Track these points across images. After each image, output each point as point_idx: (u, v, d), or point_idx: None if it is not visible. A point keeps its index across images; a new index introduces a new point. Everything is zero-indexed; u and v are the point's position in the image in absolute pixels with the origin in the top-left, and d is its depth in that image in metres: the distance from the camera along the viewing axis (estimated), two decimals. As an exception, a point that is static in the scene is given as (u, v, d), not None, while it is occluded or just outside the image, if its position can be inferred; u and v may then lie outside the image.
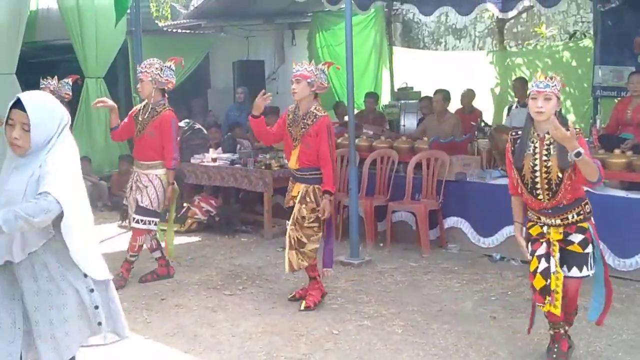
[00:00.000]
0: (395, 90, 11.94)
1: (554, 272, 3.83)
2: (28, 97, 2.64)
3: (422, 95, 10.40)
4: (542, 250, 3.88)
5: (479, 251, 6.67)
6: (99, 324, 2.75)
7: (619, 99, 8.21)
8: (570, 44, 11.01)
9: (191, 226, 7.94)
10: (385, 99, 11.95)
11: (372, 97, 9.99)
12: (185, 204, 8.14)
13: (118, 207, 8.82)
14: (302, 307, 5.09)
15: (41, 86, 6.75)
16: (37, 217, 2.49)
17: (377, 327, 4.76)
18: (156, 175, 5.74)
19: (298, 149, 5.04)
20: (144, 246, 5.90)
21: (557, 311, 3.85)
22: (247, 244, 7.36)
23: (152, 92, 5.69)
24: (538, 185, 3.80)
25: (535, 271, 3.86)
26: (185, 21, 12.23)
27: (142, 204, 5.71)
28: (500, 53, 11.67)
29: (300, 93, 4.98)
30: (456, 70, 11.11)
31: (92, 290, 2.73)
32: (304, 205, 5.01)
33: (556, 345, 4.01)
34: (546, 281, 3.83)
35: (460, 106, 9.21)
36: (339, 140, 8.06)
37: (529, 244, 3.97)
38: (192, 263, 6.59)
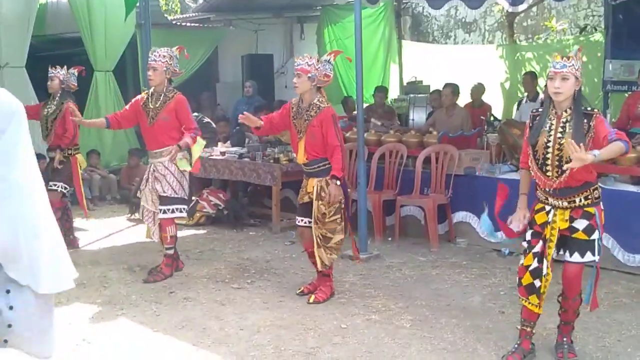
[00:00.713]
0: (404, 84, 11.90)
1: (544, 275, 3.86)
2: None
3: (431, 89, 10.37)
4: (538, 248, 3.89)
5: (488, 246, 6.65)
6: (5, 341, 2.55)
7: (630, 93, 8.16)
8: (581, 38, 10.92)
9: (200, 220, 7.95)
10: (394, 92, 11.91)
11: (382, 91, 9.96)
12: (193, 198, 8.15)
13: (127, 200, 8.86)
14: (311, 300, 5.10)
15: (50, 74, 6.74)
16: None
17: (385, 322, 4.75)
18: (171, 161, 5.69)
19: (303, 141, 5.06)
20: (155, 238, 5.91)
21: (540, 310, 3.94)
22: (255, 238, 7.37)
23: (165, 80, 5.74)
24: (548, 162, 3.82)
25: (527, 267, 3.91)
26: (194, 15, 12.23)
27: (164, 194, 5.71)
28: (510, 47, 11.60)
29: (301, 87, 5.02)
30: (465, 64, 11.06)
31: (11, 308, 2.38)
32: (320, 202, 5.02)
33: (517, 343, 4.07)
34: (533, 280, 3.88)
35: (470, 100, 9.18)
36: (347, 135, 8.06)
37: (529, 233, 3.97)
38: (201, 256, 6.60)
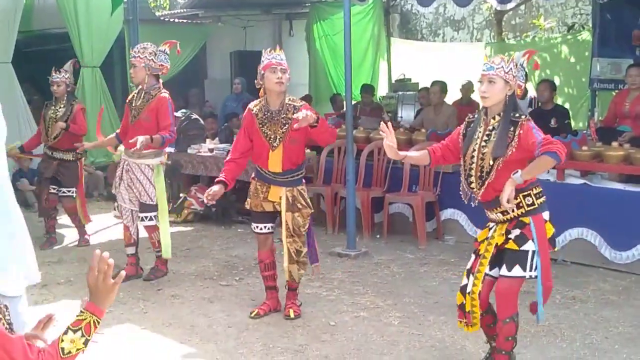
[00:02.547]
0: (393, 81, 11.92)
1: (468, 292, 3.58)
2: None
3: (420, 86, 10.39)
4: (469, 265, 3.68)
5: (476, 243, 6.66)
6: None
7: (617, 91, 8.20)
8: (569, 37, 10.99)
9: (187, 217, 7.92)
10: (382, 90, 11.92)
11: (368, 91, 9.97)
12: (181, 194, 8.12)
13: (114, 197, 8.80)
14: (293, 316, 4.72)
15: (55, 79, 6.63)
16: None
17: (373, 319, 4.75)
18: (147, 165, 5.57)
19: (281, 150, 4.51)
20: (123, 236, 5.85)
21: (476, 328, 3.66)
22: (243, 235, 7.35)
23: (145, 77, 5.50)
24: (472, 172, 3.60)
25: (460, 286, 3.71)
26: (182, 11, 12.18)
27: (143, 201, 5.60)
28: (498, 45, 11.64)
29: (286, 84, 4.49)
30: (454, 62, 11.08)
31: None
32: (297, 213, 4.59)
33: (488, 353, 3.89)
34: (463, 300, 3.63)
35: (459, 97, 9.20)
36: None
37: (473, 253, 3.73)
38: (188, 253, 6.58)
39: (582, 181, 5.98)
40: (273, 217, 4.76)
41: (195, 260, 6.31)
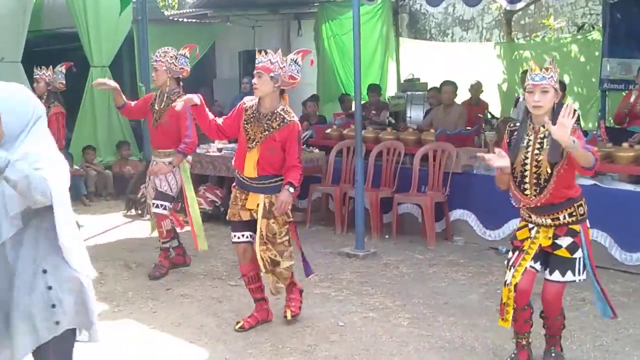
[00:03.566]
0: (402, 81, 11.89)
1: (507, 284, 3.71)
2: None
3: (429, 86, 10.36)
4: (511, 261, 3.76)
5: (485, 244, 6.65)
6: (56, 322, 2.58)
7: (627, 92, 8.17)
8: (579, 37, 10.93)
9: (196, 216, 7.92)
10: (391, 90, 11.90)
11: (375, 90, 9.96)
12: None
13: (123, 195, 8.83)
14: (290, 317, 4.62)
15: (35, 76, 6.65)
16: (37, 192, 2.44)
17: (382, 319, 4.75)
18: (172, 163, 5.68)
19: (257, 154, 4.34)
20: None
21: (507, 324, 3.77)
22: (252, 235, 7.34)
23: (167, 80, 5.66)
24: (527, 180, 3.67)
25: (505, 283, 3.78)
26: (191, 10, 12.19)
27: (161, 189, 5.72)
28: (507, 45, 11.60)
29: (261, 89, 4.29)
30: (463, 61, 11.05)
31: (49, 288, 2.57)
32: (272, 220, 4.35)
33: (514, 352, 3.93)
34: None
35: (468, 97, 9.18)
36: (345, 132, 8.07)
37: (511, 250, 3.84)
38: (197, 253, 6.54)
39: (592, 182, 5.95)
40: (252, 226, 4.46)
41: (204, 260, 6.31)
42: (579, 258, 3.70)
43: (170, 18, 11.94)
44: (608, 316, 3.95)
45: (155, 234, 5.94)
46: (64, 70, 6.77)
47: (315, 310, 4.91)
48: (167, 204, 5.73)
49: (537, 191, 3.65)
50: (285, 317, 4.61)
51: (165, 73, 5.63)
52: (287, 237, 4.44)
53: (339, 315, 4.82)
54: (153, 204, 5.75)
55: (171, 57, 5.64)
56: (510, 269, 3.75)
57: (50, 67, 6.79)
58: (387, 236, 7.09)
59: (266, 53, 4.34)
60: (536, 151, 3.64)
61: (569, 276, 3.71)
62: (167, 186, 5.72)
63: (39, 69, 6.68)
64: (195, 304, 5.11)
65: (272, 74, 4.27)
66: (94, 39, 10.02)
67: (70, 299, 2.62)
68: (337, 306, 5.02)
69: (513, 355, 3.93)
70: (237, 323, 4.60)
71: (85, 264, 2.67)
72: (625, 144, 6.03)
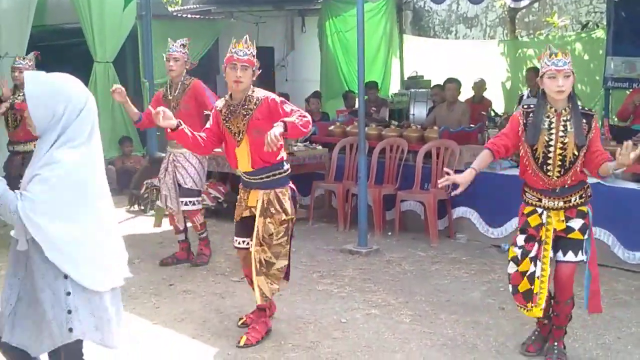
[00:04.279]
0: (405, 78, 11.89)
1: (538, 277, 3.77)
2: (29, 74, 2.64)
3: (432, 84, 10.35)
4: (534, 252, 3.79)
5: (488, 241, 6.64)
6: (70, 330, 2.59)
7: (631, 90, 8.16)
8: (583, 35, 10.92)
9: (199, 212, 7.93)
10: (394, 87, 11.90)
11: (373, 87, 9.96)
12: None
13: (126, 191, 8.84)
14: (242, 343, 4.22)
15: (17, 64, 6.55)
16: (5, 213, 2.49)
17: (385, 316, 4.75)
18: (192, 153, 5.70)
19: (246, 144, 4.17)
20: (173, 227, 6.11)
21: (540, 312, 3.82)
22: (255, 231, 7.35)
23: (184, 71, 5.80)
24: (550, 162, 3.75)
25: (524, 273, 3.80)
26: (195, 6, 12.20)
27: (186, 186, 5.83)
28: (511, 43, 11.59)
29: (245, 82, 4.14)
30: (467, 59, 11.05)
31: (68, 294, 2.58)
32: (268, 219, 4.15)
33: (537, 330, 4.10)
34: (531, 286, 3.78)
35: (471, 95, 9.18)
36: (348, 128, 8.06)
37: (522, 237, 3.85)
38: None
39: (595, 180, 5.91)
40: (252, 227, 4.25)
41: (207, 255, 6.32)
42: (587, 239, 3.82)
43: (174, 14, 11.94)
44: (586, 308, 4.00)
45: (157, 229, 6.21)
46: (33, 58, 6.71)
47: (317, 307, 4.91)
48: (195, 199, 5.88)
49: (561, 172, 3.74)
50: (238, 342, 4.23)
51: (184, 64, 5.79)
52: (284, 238, 4.21)
53: (342, 312, 4.83)
54: (182, 202, 5.85)
55: (187, 48, 5.86)
56: (534, 262, 3.77)
57: (33, 55, 6.77)
58: (389, 233, 7.09)
59: (243, 43, 4.17)
60: (561, 133, 3.72)
61: (580, 256, 3.80)
62: (191, 182, 5.84)
63: (20, 58, 6.64)
64: (198, 300, 5.12)
65: (254, 67, 4.18)
66: (97, 34, 10.02)
67: (86, 309, 2.63)
68: (339, 303, 5.03)
69: (537, 332, 4.08)
70: (240, 319, 4.61)
71: (92, 276, 2.64)
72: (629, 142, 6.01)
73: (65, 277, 2.59)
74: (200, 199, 6.01)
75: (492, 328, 4.52)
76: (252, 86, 4.23)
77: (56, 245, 2.55)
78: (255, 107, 4.14)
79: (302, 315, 4.75)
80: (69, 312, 2.58)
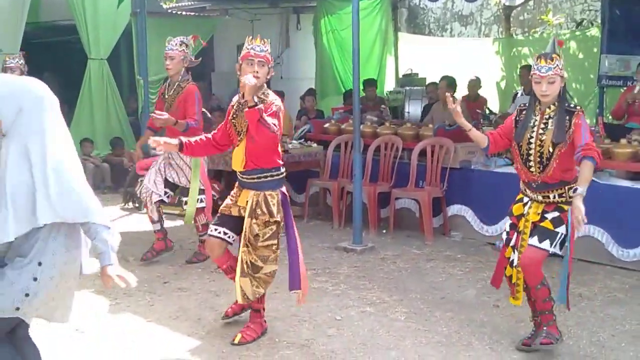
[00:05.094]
0: (400, 76, 11.89)
1: (515, 266, 3.96)
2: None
3: (427, 82, 10.36)
4: (513, 241, 4.03)
5: (482, 239, 6.65)
6: (17, 309, 2.70)
7: (625, 88, 8.17)
8: (577, 33, 10.93)
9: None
10: (389, 85, 11.89)
11: (372, 85, 9.97)
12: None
13: (120, 189, 8.83)
14: (237, 341, 4.21)
15: (9, 64, 6.55)
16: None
17: (380, 314, 4.75)
18: None
19: (243, 145, 4.13)
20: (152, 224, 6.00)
21: (518, 302, 4.07)
22: (249, 229, 7.34)
23: (181, 70, 5.76)
24: (531, 158, 3.91)
25: (508, 259, 4.06)
26: (190, 3, 12.17)
27: (183, 185, 5.86)
28: (506, 41, 11.60)
29: (262, 79, 4.10)
30: (462, 57, 11.05)
31: (35, 279, 2.69)
32: (254, 220, 4.10)
33: (533, 331, 4.16)
34: (510, 273, 4.03)
35: (466, 93, 9.18)
36: (343, 126, 8.05)
37: (508, 224, 4.11)
38: (195, 246, 6.57)
39: (575, 174, 5.95)
40: (237, 226, 4.25)
41: (202, 253, 6.32)
42: (561, 234, 3.87)
43: (169, 11, 11.91)
44: (562, 304, 4.06)
45: (149, 226, 6.07)
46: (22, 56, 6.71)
47: (312, 305, 4.91)
48: (200, 197, 5.83)
49: (541, 169, 3.88)
50: (233, 339, 4.23)
51: (181, 62, 5.73)
52: (272, 241, 4.15)
53: (336, 310, 4.83)
54: (184, 201, 5.87)
55: (187, 46, 5.77)
56: (512, 250, 4.00)
57: (21, 54, 6.75)
58: (384, 231, 7.09)
59: (259, 40, 4.19)
60: (540, 131, 3.88)
61: (545, 244, 3.85)
62: (186, 180, 5.83)
63: (10, 57, 6.63)
64: (192, 298, 5.11)
65: (270, 65, 4.16)
66: (92, 31, 10.00)
67: (45, 297, 2.73)
68: (334, 300, 5.02)
69: (533, 330, 4.11)
70: (224, 313, 4.56)
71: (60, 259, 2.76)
72: (623, 140, 6.04)
73: (40, 264, 2.70)
74: (203, 196, 5.90)
75: (486, 325, 4.53)
76: (267, 87, 4.18)
77: None
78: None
79: (296, 313, 4.74)
80: (26, 295, 2.69)
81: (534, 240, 3.88)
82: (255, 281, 4.15)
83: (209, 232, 4.36)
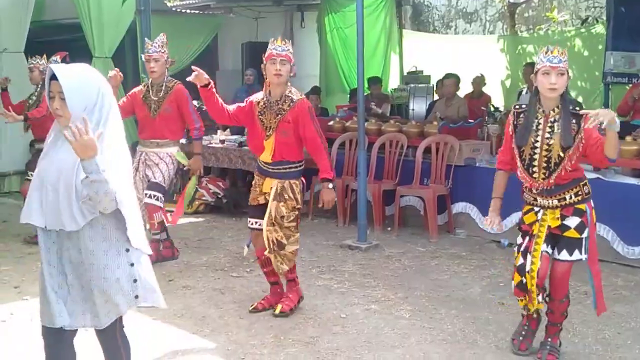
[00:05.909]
0: (405, 74, 11.88)
1: (528, 271, 3.74)
2: (59, 67, 2.71)
3: (432, 79, 10.35)
4: (524, 245, 3.81)
5: (487, 237, 6.64)
6: (136, 297, 2.82)
7: (630, 85, 8.16)
8: (582, 30, 10.91)
9: (198, 208, 7.93)
10: (394, 82, 11.88)
11: (377, 82, 9.96)
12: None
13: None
14: (277, 312, 4.62)
15: (29, 65, 6.67)
16: (107, 205, 2.65)
17: (384, 312, 4.75)
18: (167, 153, 5.75)
19: (273, 140, 4.49)
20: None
21: (541, 306, 3.87)
22: (254, 227, 7.35)
23: (165, 71, 5.72)
24: (535, 163, 3.69)
25: (516, 266, 3.84)
26: (194, 1, 12.16)
27: (155, 180, 5.71)
28: (510, 38, 11.58)
29: (285, 76, 4.45)
30: (466, 54, 11.03)
31: (132, 265, 2.79)
32: (282, 203, 4.49)
33: (527, 324, 4.05)
34: (521, 278, 3.79)
35: (471, 90, 9.17)
36: (347, 124, 8.05)
37: (520, 235, 3.89)
38: (200, 245, 6.59)
39: (595, 175, 5.94)
40: (265, 213, 4.59)
41: (207, 251, 6.33)
42: (585, 238, 3.74)
43: (173, 9, 11.92)
44: (594, 308, 3.99)
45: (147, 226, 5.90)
46: (59, 60, 6.74)
47: (317, 302, 4.91)
48: (160, 194, 5.72)
49: (546, 174, 3.68)
50: (274, 310, 4.63)
51: (165, 64, 5.71)
52: (294, 223, 4.55)
53: (341, 307, 4.83)
54: (146, 194, 5.69)
55: (166, 45, 5.74)
56: (524, 255, 3.78)
57: (45, 55, 6.79)
58: (389, 229, 7.09)
59: (281, 40, 4.55)
60: (547, 135, 3.66)
61: (576, 255, 3.74)
62: (161, 177, 5.73)
63: (33, 58, 6.69)
64: (197, 295, 5.12)
65: (292, 63, 4.48)
66: (96, 29, 9.98)
67: (147, 275, 2.86)
68: (339, 298, 5.03)
69: (526, 327, 4.02)
70: (251, 305, 4.76)
71: (144, 240, 2.87)
72: (628, 138, 6.02)
73: (127, 250, 2.78)
74: (163, 197, 5.77)
75: (491, 323, 4.52)
76: (289, 84, 4.55)
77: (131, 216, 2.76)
78: (288, 108, 4.46)
79: (301, 311, 4.74)
80: (135, 280, 2.80)
81: (564, 255, 3.73)
82: (280, 257, 4.54)
83: (248, 225, 4.74)
